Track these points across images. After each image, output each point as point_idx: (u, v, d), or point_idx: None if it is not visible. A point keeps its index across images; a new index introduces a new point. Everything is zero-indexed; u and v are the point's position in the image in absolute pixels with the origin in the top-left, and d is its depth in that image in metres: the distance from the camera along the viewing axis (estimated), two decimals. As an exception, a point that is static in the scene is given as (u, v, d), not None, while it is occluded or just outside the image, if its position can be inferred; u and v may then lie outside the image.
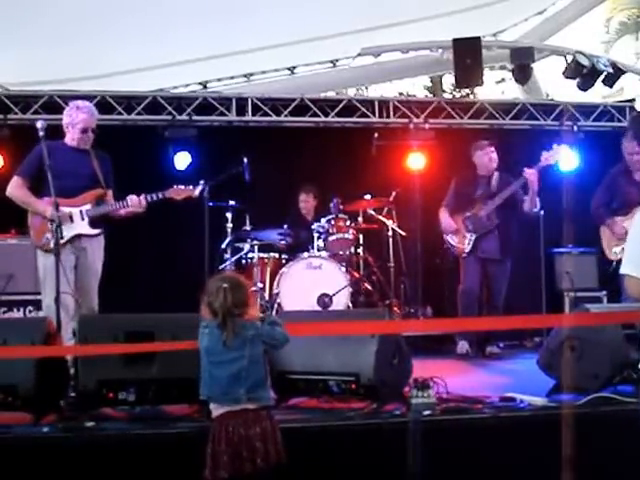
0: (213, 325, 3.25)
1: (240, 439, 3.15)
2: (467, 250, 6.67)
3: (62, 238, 4.93)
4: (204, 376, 3.29)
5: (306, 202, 7.92)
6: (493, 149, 6.88)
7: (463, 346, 6.59)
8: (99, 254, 5.36)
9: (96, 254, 5.33)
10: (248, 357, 3.23)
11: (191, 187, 5.69)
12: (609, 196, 6.31)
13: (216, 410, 3.25)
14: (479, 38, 8.20)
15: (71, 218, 5.20)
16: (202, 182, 5.81)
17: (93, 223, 5.29)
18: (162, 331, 3.99)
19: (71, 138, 5.36)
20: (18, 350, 3.84)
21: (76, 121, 5.32)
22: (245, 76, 8.85)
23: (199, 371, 3.80)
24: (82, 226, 5.26)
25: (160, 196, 5.45)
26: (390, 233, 7.78)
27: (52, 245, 5.03)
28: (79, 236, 5.24)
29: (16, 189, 5.23)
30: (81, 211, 5.26)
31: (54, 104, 7.65)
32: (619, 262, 6.18)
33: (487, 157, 6.84)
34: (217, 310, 3.21)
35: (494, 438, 3.88)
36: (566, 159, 7.57)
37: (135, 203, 5.34)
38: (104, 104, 7.73)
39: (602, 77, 8.42)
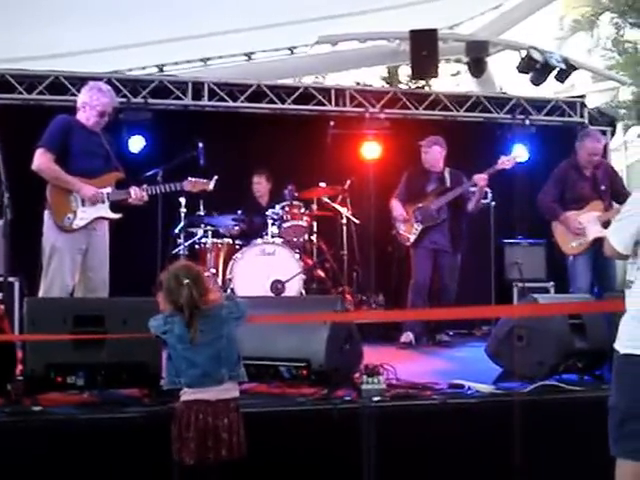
0: (180, 315, 3.23)
1: (207, 428, 3.16)
2: (412, 240, 6.73)
3: (83, 220, 5.01)
4: (177, 364, 3.26)
5: (259, 184, 7.86)
6: (428, 149, 6.84)
7: (408, 336, 6.65)
8: (107, 235, 5.28)
9: (105, 235, 5.27)
10: (226, 336, 3.26)
11: (205, 180, 5.72)
12: (560, 191, 6.31)
13: (189, 395, 3.23)
14: (436, 30, 8.26)
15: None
16: (215, 177, 5.80)
17: (113, 207, 5.21)
18: (112, 315, 3.95)
19: (86, 118, 5.20)
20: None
21: (96, 103, 5.17)
22: (202, 60, 8.79)
23: (150, 356, 3.82)
24: (104, 209, 5.18)
25: (178, 187, 5.47)
26: (344, 221, 7.80)
27: (73, 226, 5.01)
28: (96, 219, 5.15)
29: (47, 164, 5.02)
30: (102, 194, 5.16)
31: (5, 83, 7.49)
32: (575, 257, 6.30)
33: (422, 154, 6.88)
34: (183, 306, 3.20)
35: (442, 424, 3.95)
36: (520, 156, 7.72)
37: (138, 197, 5.26)
38: (58, 85, 7.59)
39: (554, 73, 8.56)
